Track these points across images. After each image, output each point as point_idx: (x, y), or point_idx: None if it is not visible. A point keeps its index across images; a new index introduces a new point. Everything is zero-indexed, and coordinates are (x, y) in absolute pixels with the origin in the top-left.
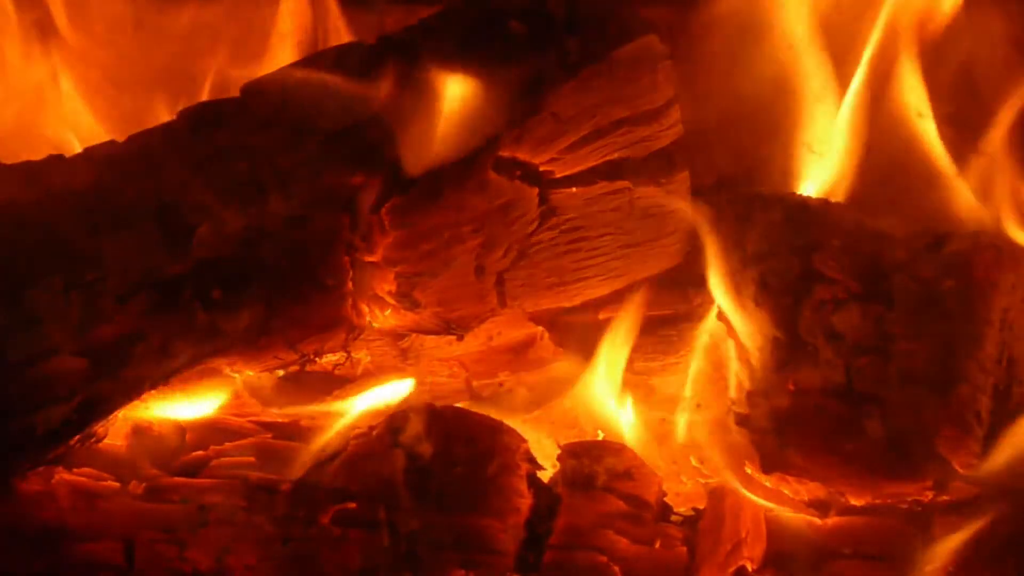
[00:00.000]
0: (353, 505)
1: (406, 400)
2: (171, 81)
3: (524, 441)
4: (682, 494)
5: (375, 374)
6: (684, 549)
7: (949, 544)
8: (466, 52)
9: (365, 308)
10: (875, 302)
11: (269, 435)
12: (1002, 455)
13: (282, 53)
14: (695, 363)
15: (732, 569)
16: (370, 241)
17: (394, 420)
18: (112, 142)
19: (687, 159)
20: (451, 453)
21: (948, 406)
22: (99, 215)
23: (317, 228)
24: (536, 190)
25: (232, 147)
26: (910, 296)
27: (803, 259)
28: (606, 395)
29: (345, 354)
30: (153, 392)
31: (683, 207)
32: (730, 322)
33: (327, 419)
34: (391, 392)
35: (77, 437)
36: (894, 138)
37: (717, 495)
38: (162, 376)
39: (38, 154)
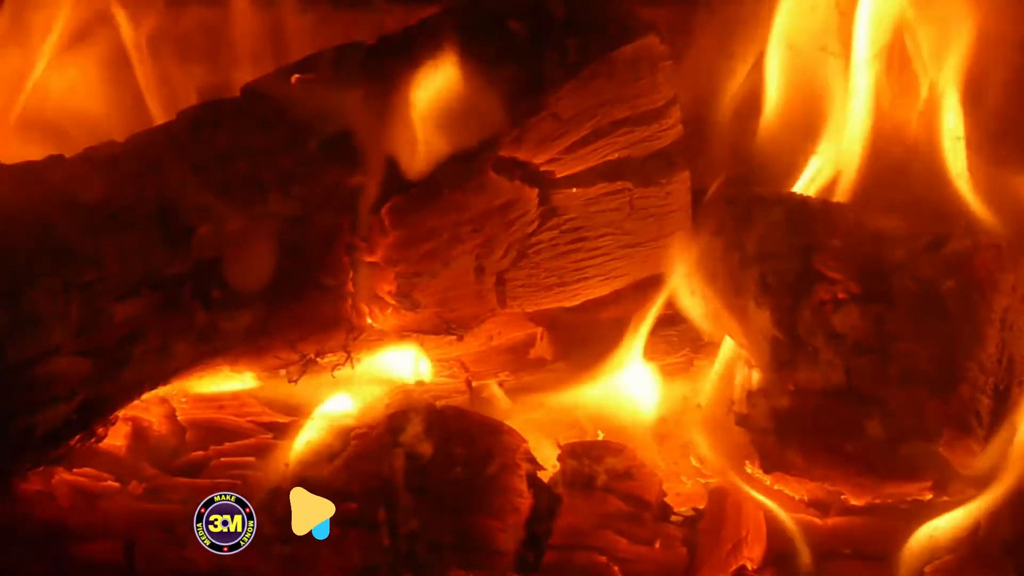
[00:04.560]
0: (353, 505)
1: (406, 400)
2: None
3: (524, 441)
4: (682, 494)
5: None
6: (684, 549)
7: (948, 545)
8: (466, 53)
9: (365, 308)
10: (875, 302)
11: (269, 435)
12: (1002, 455)
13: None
14: (695, 363)
15: (732, 569)
16: (370, 241)
17: (394, 420)
18: (112, 142)
19: (687, 159)
20: (451, 453)
21: (948, 406)
22: (99, 215)
23: (317, 228)
24: (536, 190)
25: (232, 147)
26: (910, 296)
27: (803, 259)
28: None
29: (345, 354)
30: (153, 392)
31: (683, 207)
32: (730, 322)
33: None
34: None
35: (77, 437)
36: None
37: (717, 495)
38: (162, 376)
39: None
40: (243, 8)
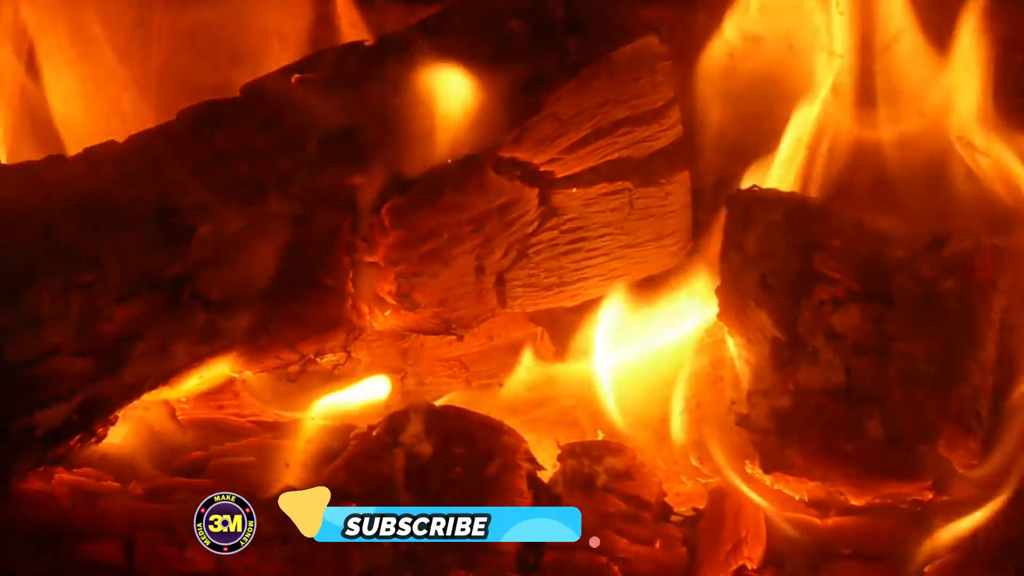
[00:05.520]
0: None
1: (406, 399)
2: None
3: (524, 441)
4: (682, 494)
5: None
6: (684, 549)
7: (948, 545)
8: (466, 52)
9: (365, 308)
10: (875, 302)
11: (269, 435)
12: (1002, 455)
13: (282, 54)
14: (695, 363)
15: (732, 569)
16: (370, 241)
17: (394, 420)
18: (112, 142)
19: (687, 159)
20: (451, 453)
21: (948, 406)
22: (99, 215)
23: (317, 228)
24: (536, 190)
25: (232, 147)
26: (910, 296)
27: (803, 259)
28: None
29: (345, 354)
30: (153, 392)
31: (683, 207)
32: (730, 322)
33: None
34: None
35: (77, 437)
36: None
37: (717, 495)
38: (162, 376)
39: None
40: (245, 7)
